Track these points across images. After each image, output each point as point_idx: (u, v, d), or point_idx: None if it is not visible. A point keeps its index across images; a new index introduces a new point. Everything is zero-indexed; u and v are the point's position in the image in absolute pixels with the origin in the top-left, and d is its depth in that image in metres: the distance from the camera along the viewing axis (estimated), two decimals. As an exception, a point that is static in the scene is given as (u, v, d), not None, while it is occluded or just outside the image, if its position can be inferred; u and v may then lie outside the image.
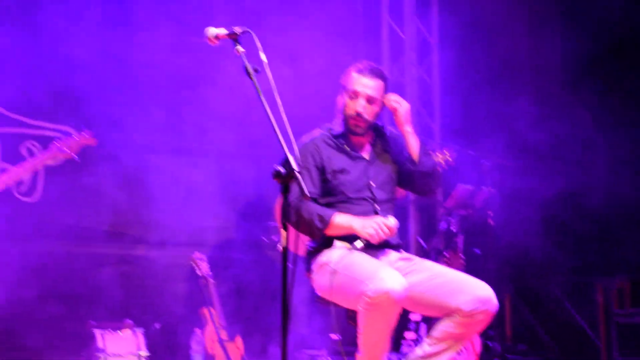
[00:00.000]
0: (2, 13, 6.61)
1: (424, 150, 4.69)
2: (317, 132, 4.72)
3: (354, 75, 4.59)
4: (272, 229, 7.30)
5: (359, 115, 4.55)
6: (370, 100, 4.56)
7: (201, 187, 7.59)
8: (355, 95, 4.56)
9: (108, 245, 7.21)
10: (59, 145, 5.89)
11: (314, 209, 4.44)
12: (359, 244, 4.39)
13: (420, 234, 8.48)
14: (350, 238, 4.46)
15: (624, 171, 7.90)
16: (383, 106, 4.65)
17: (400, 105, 4.62)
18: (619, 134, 7.83)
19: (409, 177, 4.70)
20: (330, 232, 4.46)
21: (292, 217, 4.35)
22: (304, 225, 4.43)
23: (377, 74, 4.60)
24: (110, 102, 7.09)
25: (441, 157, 7.02)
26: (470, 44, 8.44)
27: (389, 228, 4.39)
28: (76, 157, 5.98)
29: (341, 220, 4.45)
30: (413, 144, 4.65)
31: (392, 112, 4.65)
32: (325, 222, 4.42)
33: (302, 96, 6.96)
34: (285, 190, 3.67)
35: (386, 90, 4.64)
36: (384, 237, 4.39)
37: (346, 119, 4.61)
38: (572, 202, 8.29)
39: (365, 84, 4.56)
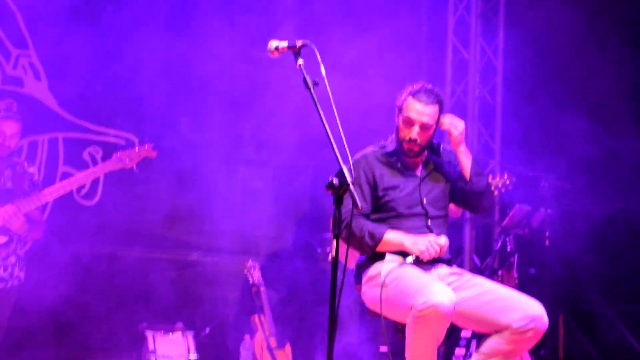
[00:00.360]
0: (70, 19, 6.75)
1: (477, 170, 4.68)
2: (369, 149, 4.74)
3: (410, 101, 4.55)
4: (327, 240, 7.34)
5: (412, 141, 4.57)
6: (424, 127, 4.55)
7: (257, 195, 7.66)
8: (409, 122, 4.55)
9: (162, 249, 7.29)
10: (120, 155, 6.03)
11: (365, 226, 4.46)
12: (409, 259, 4.41)
13: (476, 252, 8.45)
14: (401, 252, 4.48)
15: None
16: (437, 128, 4.65)
17: (456, 128, 4.62)
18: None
19: (462, 194, 4.70)
20: (380, 249, 4.48)
21: (343, 232, 4.37)
22: (354, 241, 4.46)
23: (432, 99, 4.54)
24: (170, 109, 7.19)
25: (500, 181, 7.00)
26: (535, 67, 8.39)
27: (440, 246, 4.41)
28: (136, 168, 6.12)
29: (392, 237, 4.47)
30: (466, 164, 4.65)
31: (449, 130, 4.65)
32: (376, 239, 4.45)
33: (362, 110, 7.01)
34: (338, 202, 3.71)
35: (442, 112, 4.63)
36: (434, 255, 4.40)
37: (399, 142, 4.62)
38: (631, 227, 8.19)
39: (420, 111, 4.52)
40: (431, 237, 4.44)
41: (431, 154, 4.73)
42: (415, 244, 4.40)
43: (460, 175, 4.66)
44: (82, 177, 5.93)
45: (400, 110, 4.61)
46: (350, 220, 4.35)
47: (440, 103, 4.58)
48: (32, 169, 5.85)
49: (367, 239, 4.44)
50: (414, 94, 4.55)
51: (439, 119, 4.61)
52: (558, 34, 8.22)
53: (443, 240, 4.42)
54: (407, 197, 4.59)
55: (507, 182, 7.09)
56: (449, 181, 4.73)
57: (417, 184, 4.62)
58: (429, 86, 4.61)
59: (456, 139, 4.62)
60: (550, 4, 8.07)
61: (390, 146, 4.69)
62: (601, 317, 8.24)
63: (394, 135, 4.70)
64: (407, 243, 4.44)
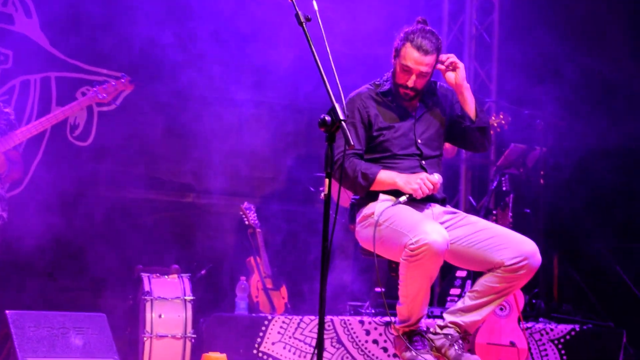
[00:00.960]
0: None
1: (480, 107, 4.64)
2: (364, 88, 4.67)
3: (408, 48, 4.44)
4: (319, 179, 7.34)
5: (408, 88, 4.50)
6: (421, 75, 4.47)
7: (254, 134, 7.62)
8: (407, 70, 4.46)
9: (157, 191, 7.30)
10: (97, 89, 6.01)
11: (358, 166, 4.43)
12: (403, 198, 4.38)
13: (471, 192, 8.45)
14: (394, 192, 4.46)
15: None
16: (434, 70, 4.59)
17: (458, 66, 4.55)
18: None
19: (463, 133, 4.63)
20: (374, 188, 4.46)
21: (336, 173, 4.35)
22: (347, 181, 4.43)
23: (431, 47, 4.43)
24: (163, 47, 7.11)
25: (495, 121, 7.00)
26: (532, 3, 8.31)
27: (432, 183, 4.36)
28: (115, 102, 6.10)
29: (385, 176, 4.44)
30: (470, 102, 4.58)
31: (451, 70, 4.57)
32: (369, 179, 4.42)
33: (356, 40, 6.93)
34: (331, 139, 3.68)
35: (439, 56, 4.53)
36: (427, 192, 4.37)
37: (395, 85, 4.55)
38: (624, 163, 8.17)
39: (418, 60, 4.42)
40: (424, 174, 4.40)
41: (426, 92, 4.65)
42: (408, 183, 4.38)
43: (463, 114, 4.59)
44: (58, 114, 5.91)
45: (397, 54, 4.51)
46: (343, 160, 4.33)
47: (438, 50, 4.48)
48: (8, 109, 5.84)
49: (360, 179, 4.42)
50: (412, 41, 4.44)
51: (436, 63, 4.53)
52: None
53: (436, 177, 4.39)
54: (401, 137, 4.54)
55: (503, 122, 7.09)
56: (445, 120, 4.68)
57: (411, 124, 4.57)
58: (427, 28, 4.50)
59: (460, 75, 4.55)
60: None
61: (386, 85, 4.62)
62: (595, 255, 8.27)
63: (389, 75, 4.64)
64: (400, 182, 4.41)
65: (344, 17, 7.35)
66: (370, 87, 4.65)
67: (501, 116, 7.12)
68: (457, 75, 4.55)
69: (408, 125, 4.57)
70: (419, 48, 4.41)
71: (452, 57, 4.56)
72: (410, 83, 4.46)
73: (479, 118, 4.60)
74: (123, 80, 6.16)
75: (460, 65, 4.55)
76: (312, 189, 7.42)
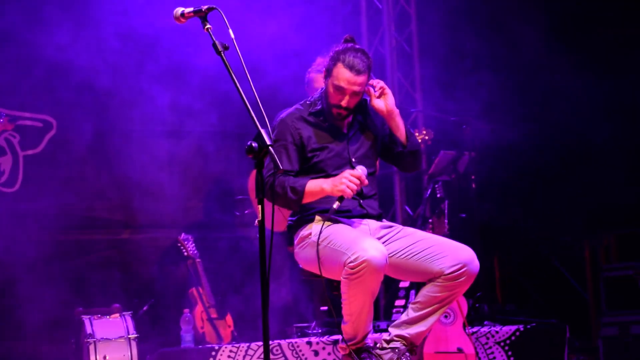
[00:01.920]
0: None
1: (409, 131, 4.65)
2: (294, 109, 4.63)
3: (340, 69, 4.41)
4: (239, 203, 7.38)
5: (342, 108, 4.48)
6: (355, 94, 4.45)
7: (177, 166, 7.58)
8: (340, 90, 4.43)
9: (92, 231, 7.21)
10: None
11: (286, 182, 4.40)
12: (336, 205, 4.32)
13: (407, 202, 8.50)
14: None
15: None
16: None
17: (387, 92, 4.54)
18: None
19: (397, 156, 4.65)
20: (306, 200, 4.42)
21: (267, 193, 4.32)
22: (279, 199, 4.40)
23: (363, 67, 4.41)
24: (86, 86, 7.04)
25: (419, 137, 7.08)
26: (447, 9, 8.42)
27: (357, 177, 4.30)
28: (37, 148, 6.02)
29: (312, 185, 4.40)
30: (401, 127, 4.58)
31: (380, 96, 4.55)
32: (298, 192, 4.38)
33: (275, 59, 6.93)
34: (259, 166, 3.67)
35: (369, 76, 4.52)
36: (356, 188, 4.30)
37: (328, 106, 4.51)
38: (555, 159, 8.33)
39: (351, 81, 4.40)
40: (346, 172, 4.34)
41: (357, 110, 4.63)
42: (335, 186, 4.31)
43: (395, 139, 4.59)
44: None
45: (329, 74, 4.48)
46: (273, 181, 4.32)
47: (369, 68, 4.47)
48: None
49: (290, 194, 4.38)
50: (344, 61, 4.41)
51: (368, 81, 4.53)
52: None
53: (359, 170, 4.32)
54: (335, 157, 4.52)
55: (426, 137, 7.17)
56: (378, 137, 4.68)
57: (345, 143, 4.55)
58: (357, 47, 4.50)
59: (391, 104, 4.53)
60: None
61: (317, 105, 4.58)
62: (535, 254, 8.41)
63: (319, 94, 4.63)
64: (327, 187, 4.35)
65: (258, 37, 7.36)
66: (300, 108, 4.61)
67: (424, 132, 7.21)
68: (387, 102, 4.53)
69: (341, 145, 4.55)
70: (351, 68, 4.40)
71: (381, 83, 4.56)
72: (344, 103, 4.44)
73: (410, 142, 4.60)
74: (1, 120, 6.03)
75: (389, 91, 4.55)
76: (237, 213, 7.41)
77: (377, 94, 4.54)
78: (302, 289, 6.86)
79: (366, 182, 4.35)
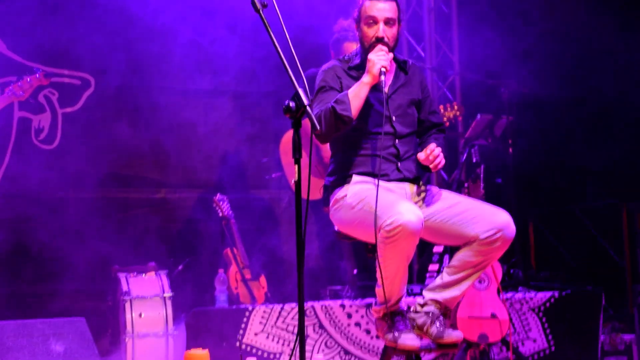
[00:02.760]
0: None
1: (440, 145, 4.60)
2: (332, 62, 4.63)
3: (367, 3, 4.48)
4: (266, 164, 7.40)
5: (379, 39, 4.46)
6: (388, 22, 4.46)
7: (217, 125, 7.58)
8: (373, 20, 4.45)
9: (128, 188, 7.25)
10: (12, 88, 5.93)
11: (328, 104, 4.34)
12: (382, 78, 4.34)
13: (443, 166, 8.44)
14: (370, 173, 4.43)
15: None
16: (400, 27, 4.56)
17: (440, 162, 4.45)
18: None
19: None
20: (354, 104, 4.31)
21: (320, 124, 4.27)
22: (330, 121, 4.30)
23: None
24: (124, 44, 7.06)
25: (451, 112, 7.00)
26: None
27: (382, 51, 4.37)
28: (36, 101, 6.04)
29: (352, 89, 4.37)
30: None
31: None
32: (343, 100, 4.32)
33: (310, 28, 6.89)
34: (297, 125, 3.65)
35: (400, 9, 4.53)
36: (386, 57, 4.36)
37: (367, 49, 4.50)
38: (594, 123, 8.23)
39: (381, 7, 4.44)
40: (371, 55, 4.37)
41: (399, 70, 4.60)
42: (370, 72, 4.34)
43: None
44: None
45: (359, 18, 4.52)
46: (318, 111, 4.29)
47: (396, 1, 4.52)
48: None
49: (337, 109, 4.29)
50: None
51: (399, 16, 4.52)
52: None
53: (381, 52, 4.38)
54: (374, 113, 4.49)
55: (458, 113, 7.09)
56: (416, 100, 4.64)
57: (384, 100, 4.50)
58: None
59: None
60: None
61: (356, 59, 4.59)
62: (571, 219, 8.33)
63: (355, 51, 4.62)
64: (365, 79, 4.36)
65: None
66: (338, 64, 4.61)
67: (455, 107, 7.12)
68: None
69: (382, 100, 4.50)
70: None
71: (437, 154, 4.43)
72: (380, 33, 4.43)
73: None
74: (37, 75, 6.06)
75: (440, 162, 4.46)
76: (267, 176, 7.42)
77: (431, 165, 4.42)
78: (338, 251, 6.87)
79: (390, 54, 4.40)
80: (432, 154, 4.36)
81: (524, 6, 8.23)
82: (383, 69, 4.34)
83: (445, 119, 6.91)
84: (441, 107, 7.04)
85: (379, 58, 4.35)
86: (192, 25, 7.28)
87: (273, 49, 3.64)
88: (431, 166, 4.41)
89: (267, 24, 3.72)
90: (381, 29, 4.44)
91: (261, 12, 3.74)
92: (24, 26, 6.78)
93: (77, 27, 6.95)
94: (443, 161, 4.42)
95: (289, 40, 3.64)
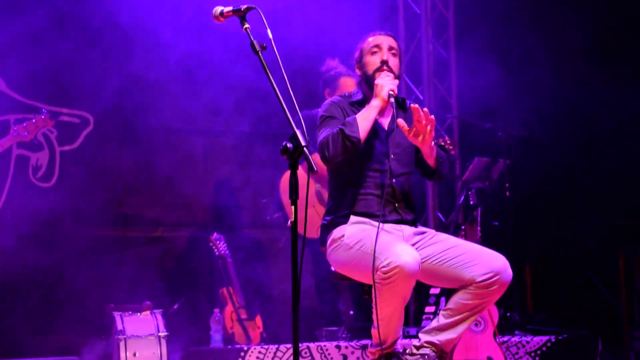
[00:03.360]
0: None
1: (441, 158, 4.61)
2: (336, 97, 4.68)
3: (369, 39, 4.59)
4: (266, 205, 7.41)
5: (384, 63, 4.50)
6: (391, 50, 4.54)
7: (215, 165, 7.61)
8: (377, 47, 4.53)
9: (126, 228, 7.25)
10: (17, 129, 5.99)
11: (335, 129, 4.34)
12: (392, 100, 4.38)
13: (440, 208, 8.46)
14: (368, 214, 4.43)
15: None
16: (401, 63, 4.62)
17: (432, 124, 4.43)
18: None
19: (425, 174, 4.69)
20: (362, 127, 4.31)
21: (328, 149, 4.29)
22: (338, 142, 4.29)
23: (391, 34, 4.62)
24: (123, 84, 7.10)
25: (442, 143, 7.02)
26: (486, 18, 8.38)
27: (387, 76, 4.43)
28: (35, 140, 6.08)
29: (362, 113, 4.39)
30: (432, 154, 4.51)
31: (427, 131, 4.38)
32: (352, 123, 4.32)
33: (314, 71, 6.94)
34: (294, 167, 3.66)
35: (401, 53, 4.63)
36: (392, 80, 4.42)
37: (373, 77, 4.51)
38: (593, 169, 8.26)
39: (383, 39, 4.55)
40: (379, 80, 4.43)
41: (397, 108, 4.58)
42: (379, 95, 4.39)
43: (424, 165, 4.59)
44: None
45: (361, 55, 4.60)
46: (325, 137, 4.31)
47: (397, 40, 4.63)
48: None
49: (345, 130, 4.30)
50: (372, 33, 4.60)
51: (400, 55, 4.60)
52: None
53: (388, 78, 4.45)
54: (373, 150, 4.51)
55: (450, 147, 7.10)
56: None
57: (384, 138, 4.55)
58: None
59: (424, 143, 4.41)
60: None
61: (357, 95, 4.64)
62: (568, 262, 8.33)
63: (356, 89, 4.68)
64: (374, 102, 4.40)
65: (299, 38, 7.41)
66: (340, 99, 4.65)
67: (447, 140, 7.14)
68: (422, 138, 4.40)
69: (381, 139, 4.54)
70: (379, 32, 4.60)
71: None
72: (384, 56, 4.50)
73: (437, 164, 4.58)
74: (43, 117, 6.11)
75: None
76: (267, 217, 7.43)
77: (425, 124, 4.36)
78: (334, 292, 6.85)
79: (397, 80, 4.45)
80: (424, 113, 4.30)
81: (524, 51, 8.30)
82: (391, 92, 4.39)
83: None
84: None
85: (387, 82, 4.41)
86: (191, 71, 7.35)
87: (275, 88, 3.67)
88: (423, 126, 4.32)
89: (265, 66, 3.75)
90: (386, 54, 4.52)
91: (260, 54, 3.78)
92: (23, 64, 6.82)
93: (77, 66, 6.99)
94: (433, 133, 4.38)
95: (287, 81, 3.67)
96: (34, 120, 6.06)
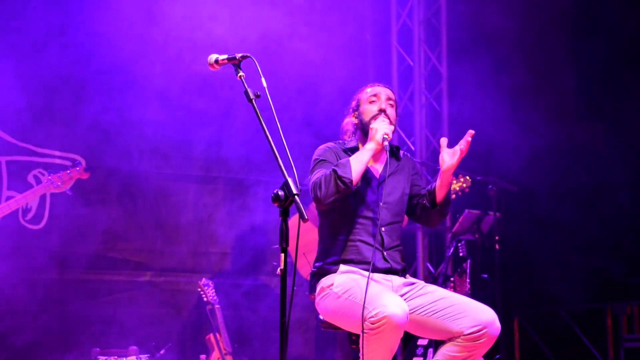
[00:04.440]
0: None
1: (448, 199, 4.64)
2: (330, 144, 4.68)
3: (367, 89, 4.62)
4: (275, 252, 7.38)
5: (382, 111, 4.53)
6: (389, 99, 4.57)
7: (207, 212, 7.61)
8: (375, 96, 4.57)
9: (114, 271, 7.22)
10: (52, 178, 5.98)
11: (327, 170, 4.35)
12: (386, 144, 4.38)
13: (429, 259, 8.47)
14: (358, 261, 4.43)
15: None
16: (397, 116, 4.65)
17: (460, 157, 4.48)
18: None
19: (423, 211, 4.65)
20: (355, 169, 4.31)
21: (320, 189, 4.28)
22: (330, 183, 4.29)
23: (389, 87, 4.65)
24: (114, 127, 7.14)
25: (457, 184, 7.02)
26: (478, 68, 8.46)
27: (384, 121, 4.44)
28: (69, 191, 6.08)
29: (356, 155, 4.39)
30: (447, 187, 4.55)
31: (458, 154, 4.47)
32: (345, 165, 4.32)
33: (310, 121, 6.99)
34: (284, 214, 3.67)
35: (396, 104, 4.65)
36: (387, 123, 4.43)
37: (369, 124, 4.51)
38: (580, 224, 8.29)
39: (381, 89, 4.60)
40: (373, 124, 4.44)
41: (391, 156, 4.59)
42: (373, 138, 4.39)
43: (431, 196, 4.58)
44: (11, 204, 5.89)
45: (359, 104, 4.63)
46: (317, 178, 4.31)
47: (394, 93, 4.65)
48: None
49: (338, 171, 4.28)
50: (371, 84, 4.64)
51: (397, 107, 4.62)
52: (499, 33, 8.34)
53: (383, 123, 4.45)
54: (365, 198, 4.51)
55: (464, 185, 7.12)
56: (408, 190, 4.68)
57: (376, 186, 4.56)
58: None
59: (454, 166, 4.48)
60: (492, 6, 8.20)
61: (352, 142, 4.66)
62: (556, 319, 8.32)
63: (350, 135, 4.70)
64: (368, 145, 4.40)
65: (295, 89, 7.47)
66: (334, 145, 4.66)
67: (462, 179, 7.15)
68: (457, 161, 4.48)
69: (372, 186, 4.55)
70: (378, 83, 4.64)
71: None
72: (382, 105, 4.53)
73: (443, 208, 4.58)
74: (78, 169, 6.14)
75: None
76: (274, 263, 7.43)
77: (464, 147, 4.45)
78: (322, 340, 6.83)
79: (392, 126, 4.46)
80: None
81: (514, 105, 8.37)
82: (386, 136, 4.40)
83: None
84: None
85: (382, 126, 4.44)
86: (182, 113, 7.39)
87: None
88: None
89: (259, 114, 3.77)
90: (384, 103, 4.55)
91: (254, 102, 3.81)
92: (15, 107, 6.84)
93: (68, 109, 7.03)
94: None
95: (280, 130, 3.69)
96: (69, 172, 6.08)
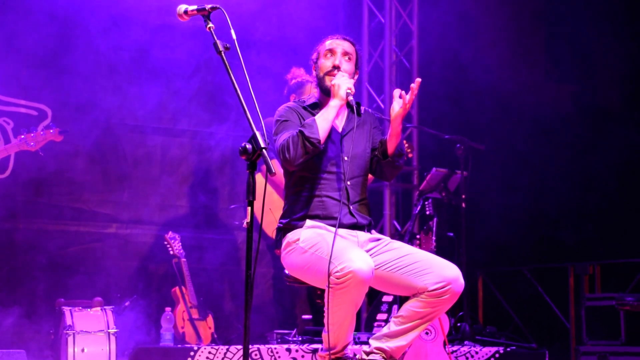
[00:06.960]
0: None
1: (400, 150, 4.62)
2: (291, 103, 4.66)
3: (326, 42, 4.59)
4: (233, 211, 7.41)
5: (336, 67, 4.50)
6: (346, 54, 4.54)
7: (174, 165, 7.59)
8: (331, 52, 4.54)
9: (79, 223, 7.18)
10: (25, 137, 5.92)
11: (294, 131, 4.34)
12: (350, 99, 4.38)
13: (396, 217, 8.51)
14: (324, 216, 4.43)
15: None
16: (358, 74, 4.63)
17: (407, 103, 4.46)
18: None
19: (378, 164, 4.64)
20: (322, 127, 4.32)
21: (288, 151, 4.27)
22: (298, 144, 4.28)
23: (349, 39, 4.60)
24: (85, 79, 7.08)
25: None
26: (450, 29, 8.47)
27: (344, 76, 4.42)
28: (41, 152, 6.02)
29: (321, 114, 4.39)
30: (397, 139, 4.56)
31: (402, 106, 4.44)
32: (312, 125, 4.32)
33: (279, 79, 6.96)
34: (252, 168, 3.66)
35: (358, 58, 4.62)
36: (350, 80, 4.42)
37: (323, 80, 4.53)
38: (546, 187, 8.37)
39: (339, 42, 4.56)
40: (334, 80, 4.41)
41: (351, 112, 4.57)
42: (336, 94, 4.38)
43: (382, 149, 4.59)
44: None
45: (317, 56, 4.60)
46: (285, 138, 4.30)
47: (353, 43, 4.60)
48: None
49: (305, 132, 4.29)
50: (331, 36, 4.60)
51: (357, 61, 4.60)
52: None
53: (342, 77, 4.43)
54: (328, 153, 4.50)
55: (408, 150, 7.14)
56: (370, 144, 4.67)
57: (338, 140, 4.55)
58: None
59: (401, 115, 4.46)
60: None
61: (311, 99, 4.64)
62: (519, 278, 8.42)
63: (313, 92, 4.68)
64: (335, 102, 4.38)
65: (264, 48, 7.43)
66: (295, 104, 4.64)
67: (405, 143, 7.17)
68: (404, 112, 4.47)
69: (335, 141, 4.54)
70: (337, 36, 4.60)
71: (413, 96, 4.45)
72: (337, 61, 4.50)
73: (393, 159, 4.57)
74: (52, 131, 6.05)
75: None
76: (236, 222, 7.43)
77: (407, 101, 4.42)
78: (287, 295, 6.86)
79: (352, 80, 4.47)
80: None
81: (486, 68, 8.40)
82: (349, 91, 4.39)
83: None
84: None
85: (344, 81, 4.41)
86: (153, 64, 7.33)
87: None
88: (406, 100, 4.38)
89: (228, 66, 3.75)
90: (339, 59, 4.52)
91: (223, 54, 3.78)
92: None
93: (37, 57, 6.94)
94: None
95: (249, 82, 3.68)
96: (42, 133, 5.99)
